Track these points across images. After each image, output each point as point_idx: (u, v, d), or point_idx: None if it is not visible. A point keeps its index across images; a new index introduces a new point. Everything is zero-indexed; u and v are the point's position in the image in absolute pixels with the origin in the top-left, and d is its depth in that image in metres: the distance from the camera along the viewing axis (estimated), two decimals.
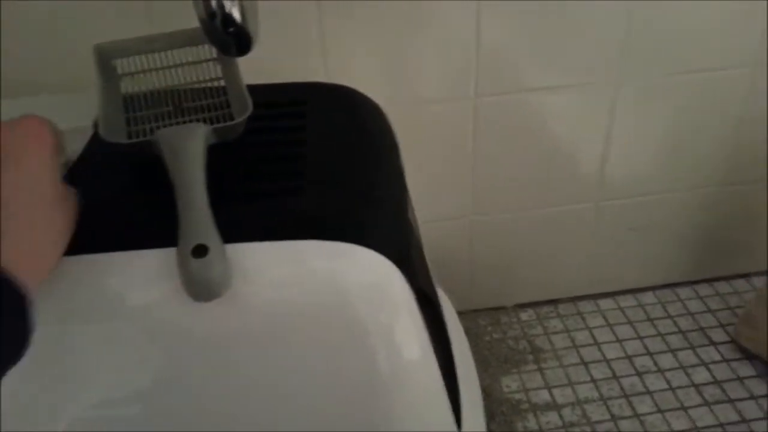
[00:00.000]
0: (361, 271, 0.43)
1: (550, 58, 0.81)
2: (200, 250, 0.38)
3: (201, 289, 0.38)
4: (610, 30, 0.80)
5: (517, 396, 0.90)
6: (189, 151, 0.44)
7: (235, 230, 0.41)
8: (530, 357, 0.96)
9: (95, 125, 0.50)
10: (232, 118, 0.52)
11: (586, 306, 1.04)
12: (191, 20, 0.49)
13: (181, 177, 0.42)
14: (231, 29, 0.48)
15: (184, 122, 0.51)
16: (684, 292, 1.06)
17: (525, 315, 1.04)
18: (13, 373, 0.41)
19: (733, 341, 0.96)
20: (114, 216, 0.44)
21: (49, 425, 0.43)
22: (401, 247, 0.48)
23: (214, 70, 0.56)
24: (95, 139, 0.51)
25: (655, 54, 0.83)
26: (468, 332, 0.95)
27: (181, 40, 0.56)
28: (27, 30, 0.69)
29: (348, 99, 0.62)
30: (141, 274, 0.41)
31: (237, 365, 0.43)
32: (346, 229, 0.43)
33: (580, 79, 0.83)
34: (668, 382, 0.91)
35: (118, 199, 0.46)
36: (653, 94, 0.86)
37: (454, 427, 0.57)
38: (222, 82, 0.56)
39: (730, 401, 0.88)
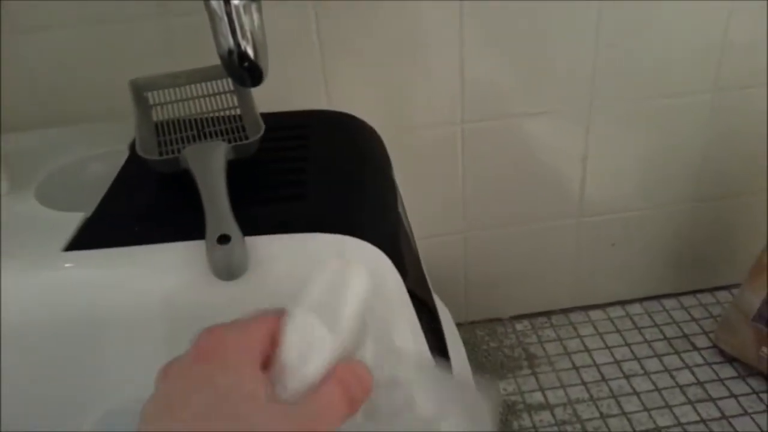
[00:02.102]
0: (354, 259, 0.51)
1: (529, 86, 0.90)
2: (224, 239, 0.46)
3: (224, 271, 0.46)
4: (582, 57, 0.89)
5: (513, 398, 0.96)
6: (213, 161, 0.52)
7: (250, 226, 0.49)
8: (525, 363, 1.02)
9: (131, 146, 0.60)
10: (247, 140, 0.61)
11: (577, 317, 1.11)
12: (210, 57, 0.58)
13: (207, 182, 0.51)
14: (246, 64, 0.57)
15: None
16: (669, 303, 1.13)
17: (520, 326, 1.10)
18: (45, 367, 0.47)
19: (714, 346, 1.02)
20: (149, 216, 0.53)
21: (81, 416, 0.50)
22: (392, 240, 0.56)
23: (231, 100, 0.66)
24: (132, 158, 0.60)
25: (622, 81, 0.92)
26: (465, 343, 1.02)
27: (202, 75, 0.66)
28: (67, 64, 0.79)
29: (346, 123, 0.71)
30: (171, 262, 0.49)
31: None
32: (341, 224, 0.52)
33: (557, 105, 0.92)
34: (654, 383, 0.97)
35: (152, 204, 0.55)
36: (625, 117, 0.95)
37: None
38: (238, 111, 0.66)
39: (712, 400, 0.94)
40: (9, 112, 0.76)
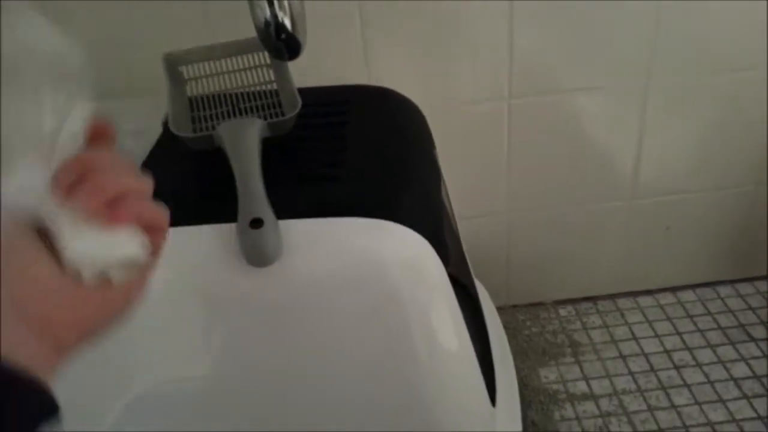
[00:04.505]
0: (397, 247, 0.49)
1: (582, 60, 0.85)
2: (257, 222, 0.44)
3: (257, 256, 0.44)
4: (640, 31, 0.83)
5: (555, 386, 0.93)
6: (247, 140, 0.50)
7: (285, 209, 0.47)
8: (568, 350, 0.99)
9: (165, 123, 0.58)
10: (284, 116, 0.58)
11: (625, 303, 1.06)
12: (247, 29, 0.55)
13: (240, 162, 0.48)
14: (283, 36, 0.54)
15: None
16: (724, 290, 1.07)
17: (564, 311, 1.06)
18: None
19: None
20: (181, 196, 0.51)
21: (118, 396, 0.49)
22: (434, 227, 0.53)
23: (267, 75, 0.63)
24: (165, 134, 0.58)
25: (685, 54, 0.85)
26: (506, 327, 0.98)
27: (238, 48, 0.63)
28: (99, 39, 0.77)
29: (387, 99, 0.67)
30: (203, 245, 0.47)
31: (285, 328, 0.48)
32: (382, 209, 0.49)
33: (612, 81, 0.87)
34: (706, 375, 0.92)
35: (185, 183, 0.53)
36: (685, 94, 0.89)
37: (488, 399, 0.61)
38: (274, 86, 0.63)
39: None
40: None
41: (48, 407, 0.23)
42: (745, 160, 0.96)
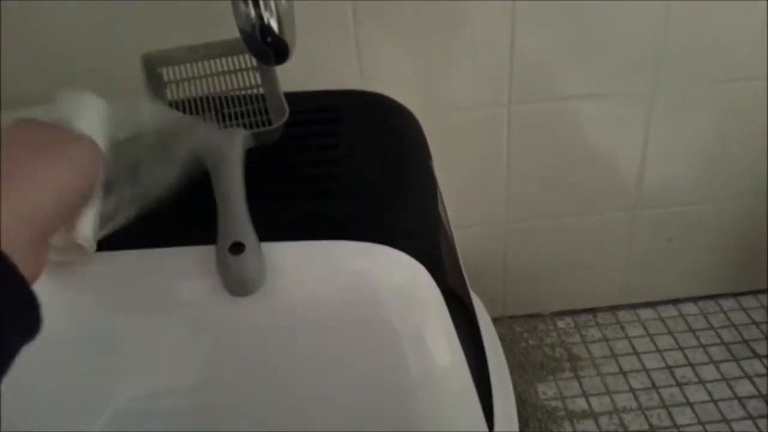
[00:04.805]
0: (389, 272, 0.45)
1: (585, 66, 0.81)
2: (237, 248, 0.39)
3: (237, 285, 0.40)
4: (647, 37, 0.79)
5: (553, 403, 0.89)
6: (228, 154, 0.46)
7: (270, 230, 0.43)
8: (567, 365, 0.95)
9: None
10: (270, 124, 0.54)
11: (625, 315, 1.03)
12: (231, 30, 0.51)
13: (221, 178, 0.44)
14: (269, 39, 0.50)
15: (225, 127, 0.53)
16: (727, 303, 1.04)
17: (562, 323, 1.03)
18: (61, 363, 0.43)
19: None
20: (158, 214, 0.47)
21: (96, 415, 0.46)
22: (431, 248, 0.49)
23: (254, 78, 0.59)
24: None
25: (693, 62, 0.82)
26: (503, 339, 0.95)
27: (222, 49, 0.59)
28: (72, 36, 0.73)
29: (381, 106, 0.63)
30: (183, 270, 0.43)
31: (270, 359, 0.45)
32: (375, 230, 0.45)
33: (617, 87, 0.83)
34: (710, 393, 0.89)
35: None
36: (691, 102, 0.85)
37: (485, 427, 0.57)
38: (261, 90, 0.59)
39: None
40: (11, 86, 0.71)
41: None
42: (750, 171, 0.93)
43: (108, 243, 0.42)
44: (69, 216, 0.36)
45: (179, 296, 0.43)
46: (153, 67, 0.58)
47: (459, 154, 0.85)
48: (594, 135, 0.86)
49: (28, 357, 0.42)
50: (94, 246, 0.40)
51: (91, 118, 0.41)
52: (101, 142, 0.39)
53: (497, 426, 0.60)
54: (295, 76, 0.59)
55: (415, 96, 0.73)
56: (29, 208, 0.30)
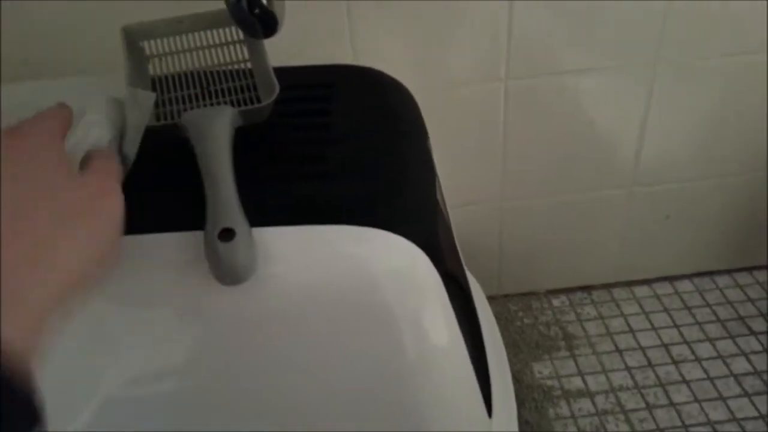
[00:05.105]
0: (387, 257, 0.43)
1: (585, 39, 0.78)
2: (227, 234, 0.37)
3: (227, 273, 0.38)
4: (648, 10, 0.77)
5: (549, 382, 0.89)
6: (215, 133, 0.43)
7: (261, 214, 0.40)
8: (562, 343, 0.94)
9: None
10: (259, 101, 0.51)
11: (620, 293, 1.02)
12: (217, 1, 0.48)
13: (208, 160, 0.42)
14: (256, 11, 0.47)
15: (211, 104, 0.51)
16: (722, 280, 1.03)
17: (557, 301, 1.02)
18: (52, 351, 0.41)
19: None
20: (143, 198, 0.44)
21: (84, 402, 0.44)
22: (429, 231, 0.47)
23: (241, 53, 0.56)
24: None
25: (694, 35, 0.79)
26: (498, 317, 0.94)
27: (208, 21, 0.55)
28: (54, 11, 0.69)
29: (375, 81, 0.61)
30: (171, 257, 0.41)
31: (263, 347, 0.43)
32: (372, 214, 0.43)
33: (616, 61, 0.80)
34: (706, 371, 0.89)
35: (146, 181, 0.46)
36: (692, 77, 0.83)
37: (484, 412, 0.56)
38: (249, 65, 0.56)
39: None
40: None
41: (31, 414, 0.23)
42: (748, 147, 0.92)
43: None
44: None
45: (167, 285, 0.41)
46: (134, 41, 0.54)
47: (454, 131, 0.83)
48: (592, 110, 0.84)
49: None
50: None
51: (100, 108, 0.43)
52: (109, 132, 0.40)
53: (495, 407, 0.59)
54: (283, 51, 0.56)
55: (408, 70, 0.70)
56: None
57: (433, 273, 0.44)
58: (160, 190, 0.45)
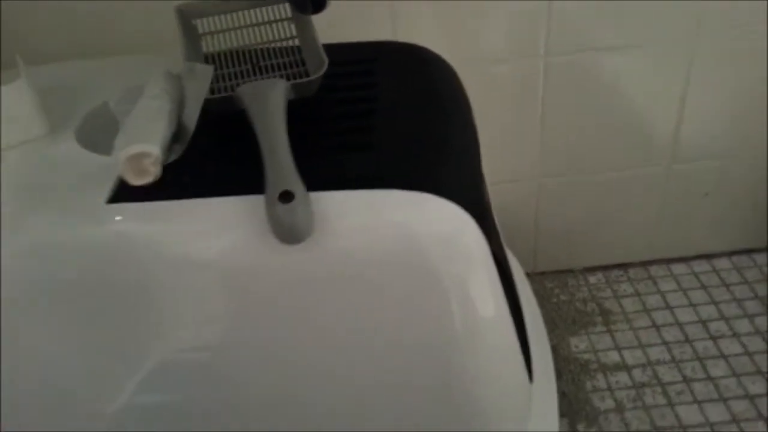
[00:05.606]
0: (436, 221, 0.44)
1: (625, 16, 0.78)
2: (287, 196, 0.39)
3: (287, 233, 0.40)
4: None
5: (586, 356, 0.90)
6: (272, 103, 0.45)
7: (314, 180, 0.42)
8: (599, 319, 0.95)
9: None
10: (307, 76, 0.53)
11: (657, 270, 1.02)
12: None
13: (266, 128, 0.44)
14: None
15: (263, 79, 0.53)
16: (761, 258, 1.02)
17: (593, 278, 1.02)
18: (100, 315, 0.44)
19: None
20: (203, 165, 0.47)
21: (136, 368, 0.46)
22: (476, 198, 0.49)
23: (289, 30, 0.58)
24: None
25: (733, 12, 0.79)
26: (534, 294, 0.95)
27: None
28: None
29: (418, 57, 0.62)
30: (231, 219, 0.43)
31: (314, 308, 0.45)
32: (421, 179, 0.44)
33: (656, 38, 0.80)
34: (744, 346, 0.89)
35: (205, 150, 0.48)
36: (730, 54, 0.83)
37: (527, 380, 0.58)
38: (296, 41, 0.58)
39: None
40: (40, 41, 0.70)
41: None
42: None
43: (131, 194, 0.43)
44: None
45: (228, 245, 0.43)
46: (187, 19, 0.57)
47: (493, 108, 0.84)
48: (631, 87, 0.84)
49: (54, 319, 0.43)
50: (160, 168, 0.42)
51: (159, 83, 0.47)
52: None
53: (535, 378, 0.61)
54: (326, 28, 0.58)
55: (446, 47, 0.71)
56: None
57: (480, 236, 0.45)
58: (219, 158, 0.48)
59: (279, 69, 0.55)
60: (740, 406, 0.81)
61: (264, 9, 0.58)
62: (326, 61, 0.51)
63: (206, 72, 0.49)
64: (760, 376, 0.85)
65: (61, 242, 0.43)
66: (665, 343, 0.90)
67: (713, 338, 0.90)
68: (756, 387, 0.83)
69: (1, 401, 0.45)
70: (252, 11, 0.58)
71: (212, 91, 0.52)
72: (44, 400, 0.47)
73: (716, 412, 0.81)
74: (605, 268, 1.03)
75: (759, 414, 0.80)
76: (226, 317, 0.46)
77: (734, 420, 0.80)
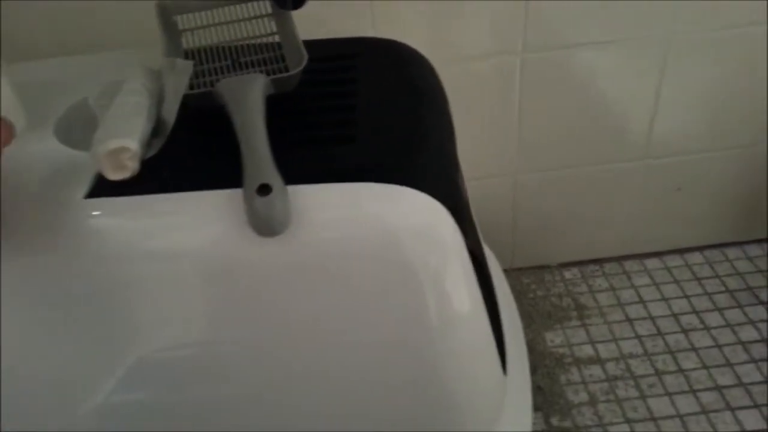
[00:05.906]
0: (411, 213, 0.45)
1: (600, 12, 0.80)
2: (264, 189, 0.40)
3: (264, 225, 0.40)
4: None
5: (561, 350, 0.92)
6: (250, 98, 0.46)
7: (292, 174, 0.43)
8: (574, 314, 0.97)
9: None
10: (287, 71, 0.54)
11: (631, 265, 1.04)
12: None
13: (244, 122, 0.44)
14: None
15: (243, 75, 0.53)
16: (732, 252, 1.05)
17: (569, 273, 1.04)
18: (77, 312, 0.44)
19: None
20: (182, 160, 0.47)
21: (115, 365, 0.46)
22: (453, 192, 0.50)
23: (269, 26, 0.59)
24: None
25: (708, 6, 0.81)
26: (511, 289, 0.96)
27: None
28: None
29: (397, 52, 0.63)
30: (209, 213, 0.43)
31: (292, 300, 0.45)
32: (397, 172, 0.45)
33: (632, 34, 0.82)
34: (714, 339, 0.91)
35: (184, 144, 0.49)
36: (704, 50, 0.85)
37: (502, 374, 0.59)
38: (276, 38, 0.58)
39: None
40: (19, 39, 0.70)
41: None
42: (759, 120, 0.93)
43: (109, 189, 0.43)
44: None
45: (202, 240, 0.44)
46: (168, 15, 0.57)
47: (470, 104, 0.85)
48: (607, 83, 0.86)
49: (46, 310, 0.44)
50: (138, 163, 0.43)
51: (138, 78, 0.48)
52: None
53: (510, 372, 0.62)
54: (305, 24, 0.58)
55: (424, 43, 0.72)
56: None
57: (455, 229, 0.46)
58: (198, 152, 0.48)
59: (259, 65, 0.56)
60: (709, 398, 0.84)
61: (244, 6, 0.59)
62: (306, 56, 0.52)
63: (186, 67, 0.49)
64: (729, 368, 0.87)
65: (37, 238, 0.43)
66: (638, 336, 0.93)
67: (684, 331, 0.93)
68: (725, 379, 0.86)
69: None
70: (232, 8, 0.59)
71: (192, 87, 0.53)
72: (20, 400, 0.47)
73: (686, 404, 0.83)
74: (581, 263, 1.06)
75: (727, 405, 0.83)
76: (204, 311, 0.47)
77: (703, 411, 0.82)
